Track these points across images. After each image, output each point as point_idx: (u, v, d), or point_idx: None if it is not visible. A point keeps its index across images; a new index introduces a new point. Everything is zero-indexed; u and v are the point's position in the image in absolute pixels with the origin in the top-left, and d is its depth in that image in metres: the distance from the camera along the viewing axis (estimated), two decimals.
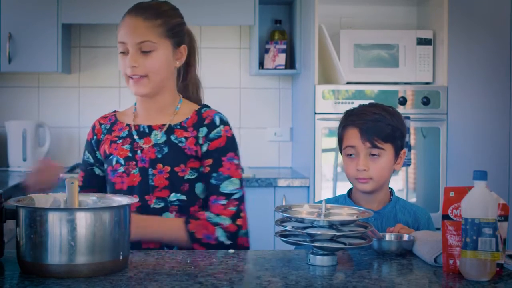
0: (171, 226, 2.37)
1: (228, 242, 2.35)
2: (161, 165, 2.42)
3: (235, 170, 2.44)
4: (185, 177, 2.42)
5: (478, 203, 1.85)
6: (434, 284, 1.89)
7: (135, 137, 2.48)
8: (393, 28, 4.93)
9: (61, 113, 5.16)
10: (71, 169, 4.74)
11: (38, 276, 1.84)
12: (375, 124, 2.48)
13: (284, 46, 4.98)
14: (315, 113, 4.41)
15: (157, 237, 2.37)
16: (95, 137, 2.57)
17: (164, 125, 2.48)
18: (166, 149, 2.43)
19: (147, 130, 2.48)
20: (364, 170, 2.48)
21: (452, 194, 1.95)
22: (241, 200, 2.43)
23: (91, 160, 2.58)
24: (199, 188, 2.44)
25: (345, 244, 2.03)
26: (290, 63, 5.07)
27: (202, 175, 2.44)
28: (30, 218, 1.85)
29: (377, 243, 2.17)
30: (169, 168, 2.42)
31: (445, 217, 1.95)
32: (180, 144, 2.43)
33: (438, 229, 2.30)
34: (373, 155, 2.49)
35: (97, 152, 2.56)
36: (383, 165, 2.50)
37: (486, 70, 4.48)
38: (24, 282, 1.81)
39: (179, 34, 2.48)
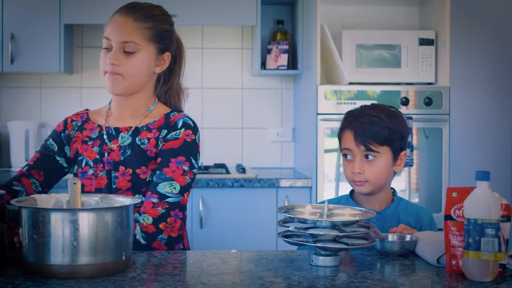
0: None
1: (143, 242, 2.25)
2: (123, 168, 2.42)
3: (180, 175, 2.35)
4: (147, 179, 2.41)
5: (481, 203, 1.85)
6: (437, 284, 1.89)
7: (105, 139, 2.48)
8: (395, 28, 4.93)
9: (63, 113, 5.09)
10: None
11: (41, 276, 1.84)
12: (371, 127, 2.48)
13: (286, 47, 4.98)
14: (317, 114, 4.41)
15: None
16: (66, 131, 2.56)
17: (131, 127, 2.48)
18: (129, 152, 2.43)
19: (114, 133, 2.49)
20: (360, 173, 2.48)
21: (454, 194, 1.95)
22: (175, 206, 2.31)
23: (55, 148, 2.56)
24: None
25: (347, 244, 2.02)
26: (292, 64, 5.07)
27: None
28: (32, 219, 1.85)
29: (379, 243, 2.17)
30: (131, 171, 2.41)
31: (448, 217, 1.95)
32: (142, 146, 2.43)
33: (440, 229, 2.30)
34: (369, 157, 2.49)
35: (66, 147, 2.55)
36: (379, 167, 2.50)
37: (489, 70, 4.48)
38: (26, 283, 1.81)
39: (165, 40, 2.48)
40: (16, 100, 5.14)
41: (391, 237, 2.24)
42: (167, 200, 2.31)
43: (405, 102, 4.44)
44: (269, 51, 4.99)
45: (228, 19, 4.77)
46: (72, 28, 5.07)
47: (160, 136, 2.42)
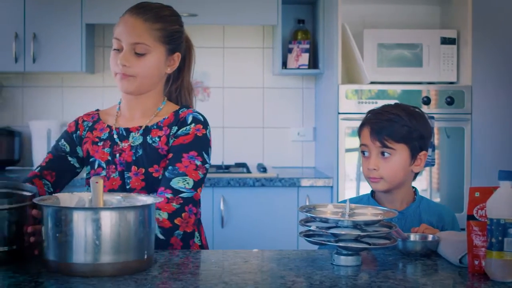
0: None
1: (162, 237, 2.25)
2: (135, 167, 2.42)
3: (193, 170, 2.35)
4: (160, 177, 2.40)
5: (504, 203, 1.84)
6: (459, 285, 1.88)
7: (116, 139, 2.48)
8: (417, 27, 4.91)
9: (84, 113, 5.17)
10: None
11: (63, 275, 1.85)
12: (389, 124, 2.48)
13: (307, 46, 4.98)
14: (339, 113, 4.41)
15: None
16: (77, 132, 2.57)
17: (141, 126, 2.48)
18: (140, 151, 2.43)
19: (124, 133, 2.48)
20: (375, 169, 2.48)
21: (477, 194, 1.94)
22: (189, 201, 2.32)
23: (67, 149, 2.56)
24: None
25: (369, 244, 2.02)
26: (313, 63, 5.06)
27: None
28: (55, 218, 1.86)
29: (401, 243, 2.16)
30: (143, 170, 2.42)
31: (470, 217, 1.94)
32: (154, 145, 2.43)
33: (462, 229, 2.29)
34: (384, 154, 2.49)
35: (77, 147, 2.56)
36: (394, 165, 2.49)
37: (511, 69, 4.45)
38: (49, 281, 1.82)
39: (175, 41, 2.48)
40: (38, 99, 5.17)
41: (413, 236, 2.23)
42: (181, 195, 2.31)
43: (427, 101, 4.42)
44: (290, 51, 4.99)
45: (249, 19, 4.77)
46: (93, 28, 5.09)
47: (171, 133, 2.42)
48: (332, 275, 1.91)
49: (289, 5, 5.08)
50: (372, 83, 4.45)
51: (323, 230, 2.02)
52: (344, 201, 2.18)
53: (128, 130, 2.48)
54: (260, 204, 4.46)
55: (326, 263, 2.05)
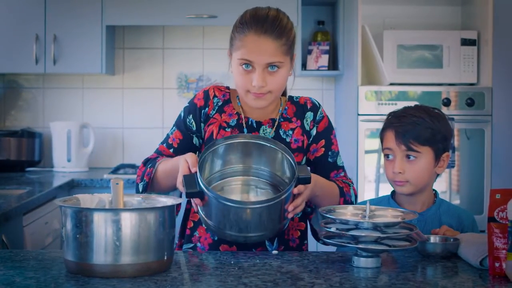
0: (328, 182, 2.42)
1: (355, 202, 2.48)
2: None
3: (337, 144, 2.57)
4: None
5: None
6: (480, 287, 1.87)
7: (245, 130, 2.45)
8: (437, 28, 4.90)
9: (105, 114, 5.20)
10: (115, 170, 4.77)
11: (83, 275, 1.86)
12: (413, 127, 2.47)
13: (327, 47, 4.98)
14: (358, 114, 4.40)
15: (326, 192, 2.40)
16: (207, 109, 2.48)
17: (272, 120, 2.48)
18: None
19: (255, 125, 2.47)
20: (400, 173, 2.47)
21: (498, 196, 1.93)
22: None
23: (194, 127, 2.48)
24: None
25: (389, 246, 2.02)
26: (333, 64, 5.06)
27: (312, 163, 2.52)
28: (76, 219, 1.87)
29: (422, 245, 2.15)
30: None
31: (491, 219, 1.93)
32: (287, 139, 2.45)
33: (482, 231, 2.28)
34: (410, 158, 2.48)
35: (202, 125, 2.48)
36: (420, 168, 2.48)
37: None
38: (70, 282, 1.83)
39: (294, 45, 2.44)
40: (59, 101, 5.19)
41: (433, 238, 2.22)
42: (345, 168, 2.58)
43: (447, 103, 4.41)
44: (309, 52, 4.99)
45: None
46: (114, 29, 5.11)
47: (307, 122, 2.50)
48: (352, 277, 1.91)
49: (308, 6, 5.07)
50: (391, 84, 4.44)
51: (343, 232, 2.02)
52: (364, 203, 2.17)
53: (260, 123, 2.47)
54: None
55: (346, 265, 2.05)
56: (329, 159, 2.51)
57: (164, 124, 5.16)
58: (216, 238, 2.35)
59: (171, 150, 2.49)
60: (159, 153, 2.52)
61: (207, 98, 2.49)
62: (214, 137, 2.44)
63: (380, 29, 4.74)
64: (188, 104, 2.52)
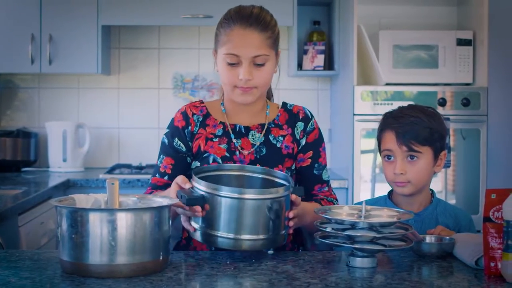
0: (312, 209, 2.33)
1: None
2: (259, 166, 2.42)
3: (325, 158, 2.59)
4: None
5: None
6: (475, 287, 1.87)
7: (232, 137, 2.46)
8: (433, 28, 4.90)
9: (100, 114, 5.20)
10: (111, 170, 4.77)
11: (79, 276, 1.86)
12: (412, 127, 2.47)
13: (323, 47, 4.98)
14: (354, 114, 4.40)
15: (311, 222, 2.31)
16: (189, 127, 2.49)
17: (261, 124, 2.49)
18: (264, 150, 2.45)
19: (243, 130, 2.48)
20: (402, 174, 2.47)
21: (493, 196, 1.93)
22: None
23: (183, 148, 2.48)
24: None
25: (385, 246, 2.02)
26: (329, 64, 5.05)
27: (297, 171, 2.52)
28: (71, 219, 1.87)
29: (417, 245, 2.16)
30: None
31: (487, 219, 1.93)
32: (277, 144, 2.46)
33: (478, 231, 2.28)
34: (411, 158, 2.48)
35: (190, 143, 2.48)
36: (421, 168, 2.48)
37: None
38: (65, 282, 1.82)
39: (279, 42, 2.48)
40: (54, 100, 5.19)
41: (429, 238, 2.23)
42: (330, 183, 2.61)
43: (442, 103, 4.41)
44: (305, 52, 4.99)
45: None
46: (109, 29, 5.10)
47: (297, 131, 2.51)
48: (347, 277, 1.91)
49: (304, 6, 5.07)
50: (387, 84, 4.44)
51: (339, 232, 2.02)
52: (360, 203, 2.17)
53: (248, 128, 2.48)
54: None
55: (341, 265, 2.05)
56: (315, 171, 2.53)
57: (160, 124, 5.16)
58: (213, 248, 2.33)
59: (166, 178, 2.47)
60: (154, 186, 2.50)
61: (186, 118, 2.50)
62: (202, 149, 2.45)
63: (376, 29, 4.74)
64: (168, 129, 2.52)
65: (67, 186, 4.38)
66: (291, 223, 2.17)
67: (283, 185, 2.23)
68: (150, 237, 1.89)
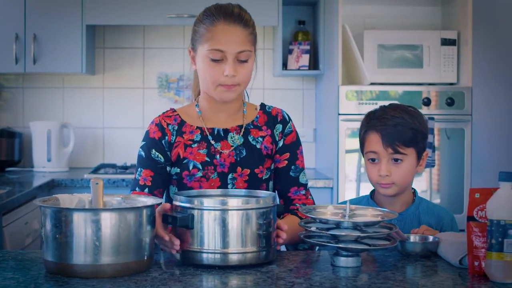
0: (294, 223, 2.29)
1: None
2: (240, 168, 2.42)
3: (303, 161, 2.57)
4: (263, 178, 2.45)
5: (504, 204, 1.84)
6: (459, 286, 1.88)
7: (211, 141, 2.45)
8: (417, 28, 4.91)
9: (85, 114, 5.18)
10: (95, 170, 4.76)
11: (63, 276, 1.86)
12: (397, 129, 2.46)
13: (308, 47, 4.98)
14: (339, 114, 4.40)
15: (293, 236, 2.29)
16: (165, 137, 2.45)
17: (239, 126, 2.48)
18: (244, 152, 2.44)
19: (222, 133, 2.46)
20: (387, 175, 2.47)
21: (477, 195, 1.94)
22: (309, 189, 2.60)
23: (162, 159, 2.44)
24: (271, 186, 2.51)
25: (369, 245, 2.02)
26: (314, 64, 5.06)
27: (274, 172, 2.52)
28: (55, 219, 1.86)
29: (401, 244, 2.16)
30: (248, 171, 2.43)
31: (470, 218, 1.94)
32: (257, 145, 2.46)
33: (462, 230, 2.29)
34: (396, 160, 2.47)
35: (168, 153, 2.45)
36: (406, 169, 2.48)
37: (511, 70, 4.45)
38: (49, 282, 1.82)
39: (257, 40, 2.47)
40: (39, 100, 5.17)
41: (413, 238, 2.23)
42: (308, 187, 2.58)
43: (427, 102, 4.42)
44: (290, 52, 4.99)
45: None
46: (94, 29, 5.09)
47: (276, 132, 2.51)
48: (332, 276, 1.91)
49: (289, 6, 5.07)
50: (372, 84, 4.45)
51: (323, 231, 2.02)
52: (344, 202, 2.18)
53: (227, 131, 2.47)
54: None
55: (326, 264, 2.05)
56: (291, 173, 2.53)
57: (144, 124, 5.14)
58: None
59: (146, 190, 2.42)
60: None
61: (162, 128, 2.47)
62: (181, 156, 2.43)
63: (361, 29, 4.75)
64: (144, 142, 2.48)
65: (52, 186, 4.37)
66: (280, 240, 2.13)
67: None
68: (134, 237, 1.89)
